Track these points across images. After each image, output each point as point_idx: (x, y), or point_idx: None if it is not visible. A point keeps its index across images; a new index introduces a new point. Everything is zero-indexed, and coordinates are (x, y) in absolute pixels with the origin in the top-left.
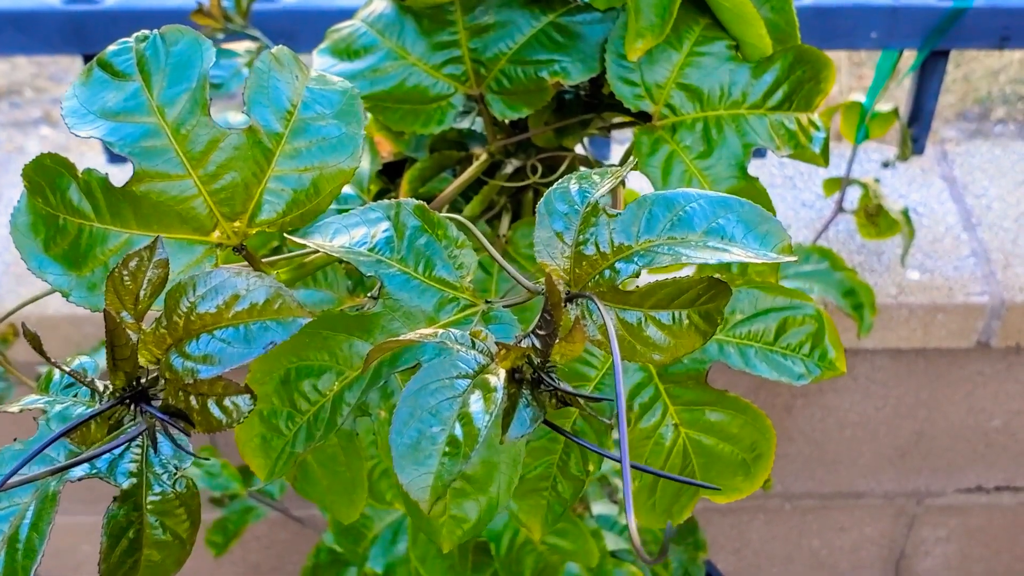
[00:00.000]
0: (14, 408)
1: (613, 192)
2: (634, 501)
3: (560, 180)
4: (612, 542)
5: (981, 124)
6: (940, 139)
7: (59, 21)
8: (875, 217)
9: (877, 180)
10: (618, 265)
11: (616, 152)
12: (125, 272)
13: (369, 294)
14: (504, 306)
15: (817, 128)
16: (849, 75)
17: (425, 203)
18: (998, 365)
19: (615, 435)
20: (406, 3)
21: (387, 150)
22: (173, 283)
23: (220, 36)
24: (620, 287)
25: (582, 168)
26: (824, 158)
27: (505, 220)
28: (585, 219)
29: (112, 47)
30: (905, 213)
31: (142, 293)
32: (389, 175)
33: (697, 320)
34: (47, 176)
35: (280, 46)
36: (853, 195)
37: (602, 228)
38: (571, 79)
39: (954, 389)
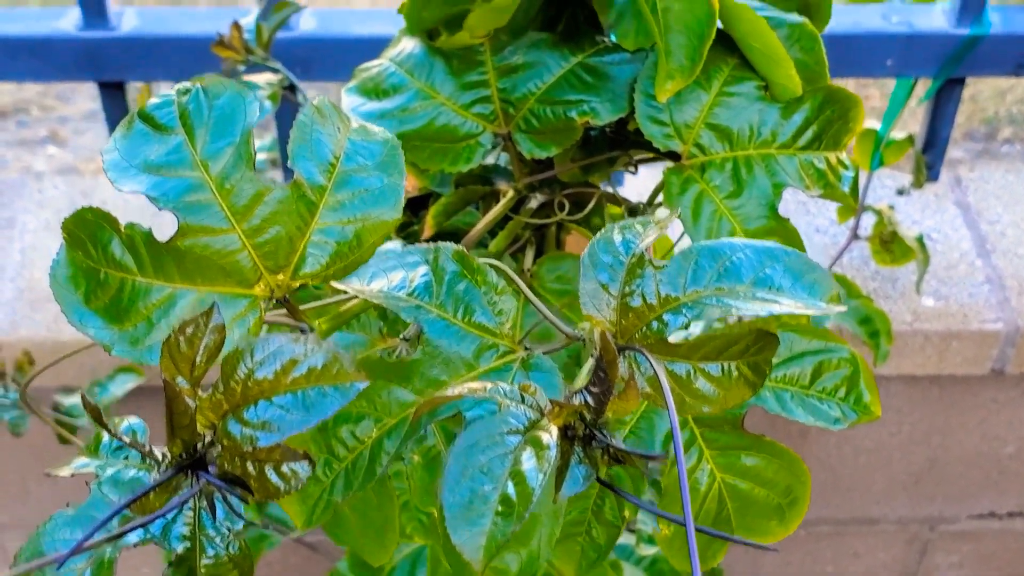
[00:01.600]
0: (66, 472)
1: None
2: (667, 546)
3: (603, 230)
4: (630, 573)
5: (988, 144)
6: (947, 159)
7: (74, 48)
8: (890, 244)
9: (891, 207)
10: (666, 317)
11: (629, 181)
12: (181, 338)
13: (402, 335)
14: (543, 352)
15: (846, 167)
16: (855, 91)
17: (463, 248)
18: (1012, 392)
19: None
20: (437, 44)
21: (411, 184)
22: (226, 347)
23: (241, 68)
24: (668, 339)
25: (609, 205)
26: (854, 197)
27: (529, 254)
28: (630, 270)
29: (153, 100)
30: (920, 240)
31: (198, 359)
32: (412, 208)
33: (746, 371)
34: (88, 230)
35: (322, 97)
36: (867, 221)
37: (648, 279)
38: (600, 119)
39: (968, 416)
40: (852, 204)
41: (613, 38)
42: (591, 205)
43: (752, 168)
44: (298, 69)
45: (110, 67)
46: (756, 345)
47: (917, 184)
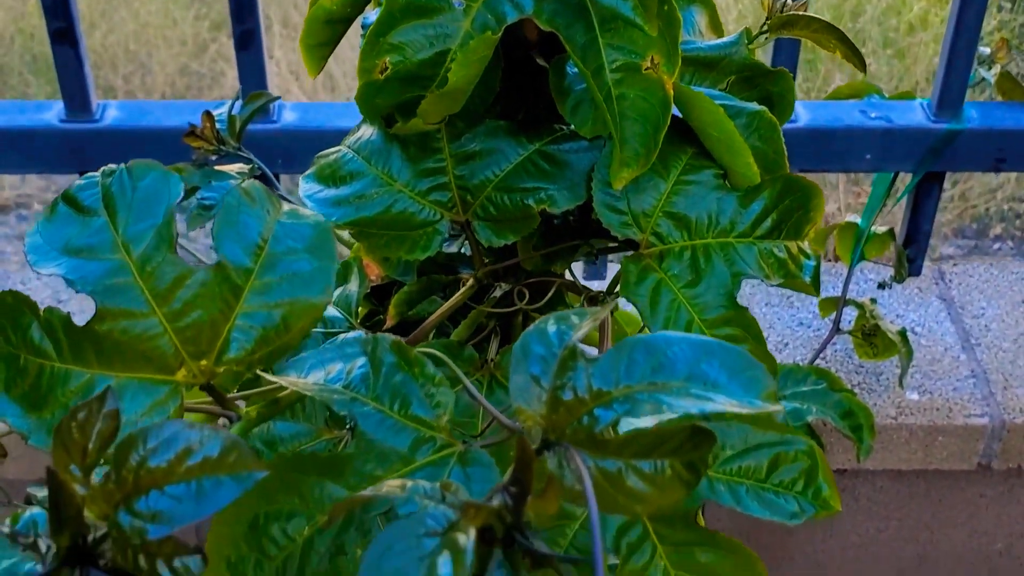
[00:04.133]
0: None
1: (602, 324)
2: None
3: (538, 320)
4: None
5: (979, 241)
6: (939, 256)
7: (57, 139)
8: (872, 338)
9: (874, 300)
10: (597, 412)
11: (613, 271)
12: (73, 424)
13: (348, 426)
14: (483, 445)
15: (807, 256)
16: (847, 193)
17: (402, 339)
18: (1000, 487)
19: None
20: (393, 130)
21: (375, 274)
22: (134, 427)
23: (213, 158)
24: (599, 435)
25: (570, 293)
26: (815, 287)
27: (494, 344)
28: (562, 363)
29: (78, 181)
30: (902, 334)
31: (90, 446)
32: (378, 297)
33: (680, 470)
34: (8, 314)
35: (251, 180)
36: (850, 315)
37: (580, 373)
38: (558, 207)
39: (956, 511)
40: (814, 294)
41: (570, 124)
42: (550, 294)
43: (711, 257)
44: (279, 161)
45: (93, 159)
46: (691, 442)
47: (898, 278)
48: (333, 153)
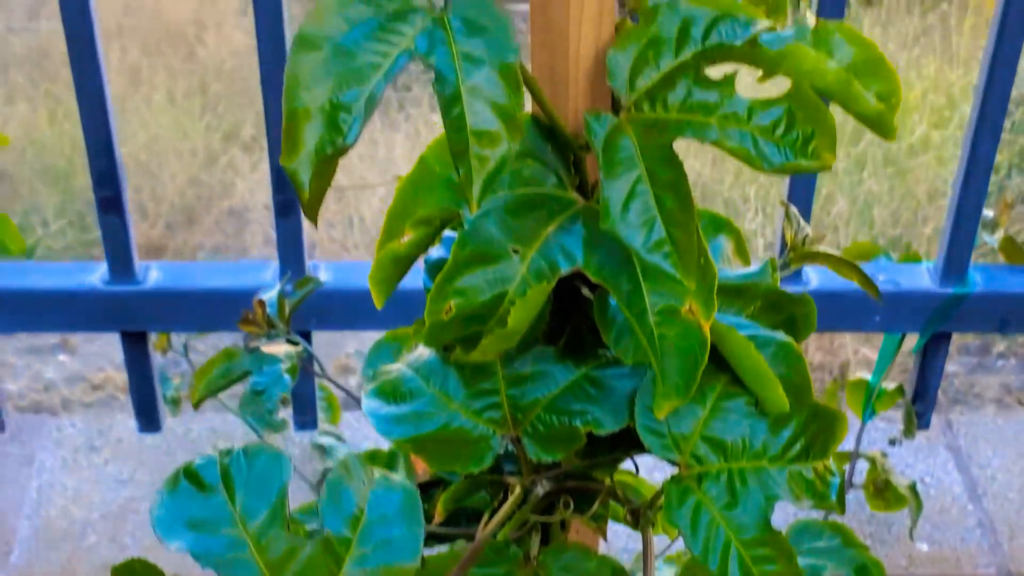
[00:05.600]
0: None
1: (645, 541)
2: None
3: None
4: None
5: (983, 358)
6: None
7: (100, 301)
8: (884, 492)
9: (884, 454)
10: None
11: None
12: None
13: None
14: None
15: (832, 473)
16: None
17: None
18: None
19: None
20: (452, 359)
21: (423, 469)
22: None
23: (263, 340)
24: None
25: (613, 503)
26: (841, 505)
27: (535, 539)
28: None
29: (198, 460)
30: (912, 488)
31: None
32: (423, 489)
33: None
34: None
35: (349, 454)
36: (862, 467)
37: None
38: (603, 429)
39: None
40: (839, 512)
41: (613, 352)
42: (596, 506)
43: (746, 480)
44: (315, 319)
45: (134, 319)
46: None
47: (908, 434)
48: (394, 371)
